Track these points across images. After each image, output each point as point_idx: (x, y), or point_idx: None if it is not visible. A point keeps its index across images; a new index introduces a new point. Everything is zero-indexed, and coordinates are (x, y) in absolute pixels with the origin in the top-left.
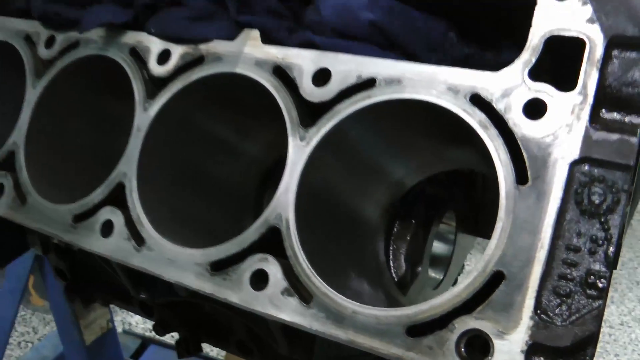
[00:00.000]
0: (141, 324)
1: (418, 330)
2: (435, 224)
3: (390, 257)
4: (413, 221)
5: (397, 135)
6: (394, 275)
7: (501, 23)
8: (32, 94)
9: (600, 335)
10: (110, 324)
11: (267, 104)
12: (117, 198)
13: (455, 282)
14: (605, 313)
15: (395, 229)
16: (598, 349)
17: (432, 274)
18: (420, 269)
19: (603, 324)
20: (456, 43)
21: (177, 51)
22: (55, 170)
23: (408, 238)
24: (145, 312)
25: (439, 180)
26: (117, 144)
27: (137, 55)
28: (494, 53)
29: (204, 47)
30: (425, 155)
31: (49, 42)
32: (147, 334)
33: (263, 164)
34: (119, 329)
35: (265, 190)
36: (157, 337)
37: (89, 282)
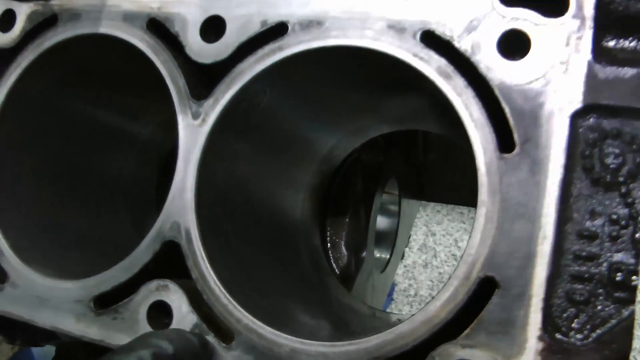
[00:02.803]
0: None
1: None
2: (377, 196)
3: (329, 249)
4: (350, 200)
5: (323, 95)
6: (336, 269)
7: None
8: None
9: None
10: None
11: (149, 72)
12: None
13: (402, 257)
14: None
15: (330, 215)
16: None
17: (378, 254)
18: (364, 253)
19: None
20: None
21: (23, 11)
22: None
23: (347, 221)
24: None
25: (374, 144)
26: None
27: None
28: None
29: (56, 3)
30: (361, 116)
31: None
32: None
33: (161, 149)
34: None
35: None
36: None
37: None
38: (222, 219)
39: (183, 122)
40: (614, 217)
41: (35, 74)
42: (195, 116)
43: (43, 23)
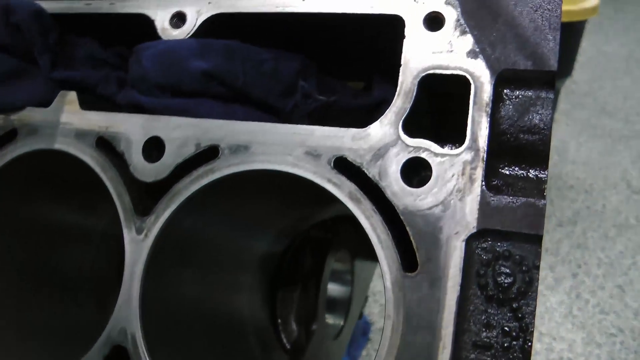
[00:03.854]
0: None
1: None
2: (326, 270)
3: (279, 325)
4: (299, 276)
5: (255, 208)
6: (287, 344)
7: (369, 55)
8: None
9: None
10: None
11: (100, 181)
12: None
13: (361, 316)
14: None
15: (280, 293)
16: None
17: (332, 320)
18: (315, 325)
19: None
20: (311, 92)
21: None
22: None
23: (296, 296)
24: None
25: (322, 223)
26: None
27: None
28: (365, 94)
29: (15, 118)
30: (294, 219)
31: None
32: None
33: (117, 236)
34: None
35: None
36: None
37: None
38: (167, 324)
39: (128, 237)
40: (506, 329)
41: None
42: (138, 231)
43: (4, 136)
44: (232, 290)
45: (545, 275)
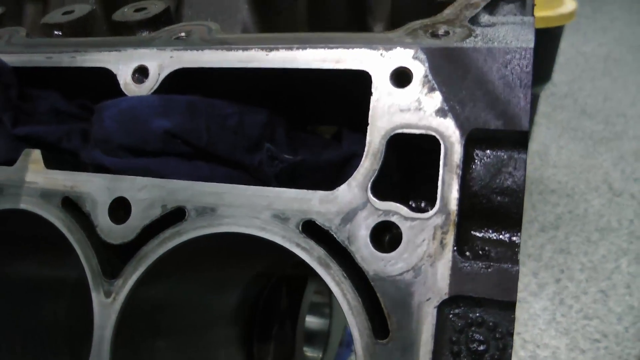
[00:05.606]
0: None
1: None
2: (303, 303)
3: None
4: (275, 316)
5: (224, 266)
6: None
7: (338, 105)
8: None
9: None
10: None
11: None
12: None
13: (341, 344)
14: None
15: (255, 341)
16: None
17: (310, 353)
18: None
19: None
20: (277, 154)
21: None
22: None
23: (272, 339)
24: None
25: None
26: None
27: None
28: (335, 146)
29: None
30: (266, 267)
31: None
32: None
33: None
34: None
35: None
36: None
37: None
38: None
39: (96, 300)
40: None
41: None
42: (107, 294)
43: None
44: (208, 350)
45: (528, 282)
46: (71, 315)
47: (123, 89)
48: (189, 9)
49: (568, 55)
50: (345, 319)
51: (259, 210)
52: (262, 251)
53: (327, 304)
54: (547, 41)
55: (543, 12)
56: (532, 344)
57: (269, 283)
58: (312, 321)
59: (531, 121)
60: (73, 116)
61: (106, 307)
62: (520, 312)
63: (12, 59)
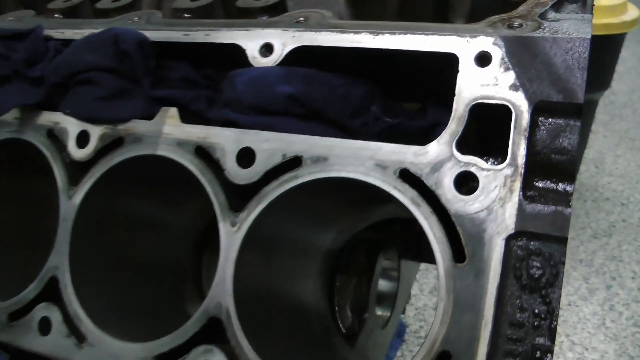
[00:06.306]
0: None
1: None
2: (377, 266)
3: (337, 312)
4: (354, 272)
5: (326, 210)
6: (342, 328)
7: (426, 83)
8: None
9: None
10: None
11: (194, 183)
12: (52, 293)
13: (404, 311)
14: None
15: (337, 285)
16: None
17: (380, 312)
18: (367, 315)
19: None
20: (380, 115)
21: (96, 132)
22: None
23: (351, 289)
24: None
25: (375, 225)
26: (47, 229)
27: (55, 138)
28: (421, 118)
29: (122, 128)
30: (356, 219)
31: None
32: None
33: (195, 230)
34: None
35: (201, 255)
36: None
37: None
38: (252, 302)
39: (224, 229)
40: (536, 311)
41: (104, 183)
42: (232, 224)
43: (112, 143)
44: (301, 276)
45: (579, 286)
46: (175, 257)
47: (251, 62)
48: (291, 1)
49: (629, 64)
50: (409, 286)
51: (363, 160)
52: (354, 198)
53: (396, 269)
54: (608, 48)
55: (605, 19)
56: (580, 347)
57: (349, 242)
58: (382, 284)
59: (588, 128)
60: (199, 84)
61: (231, 235)
62: (569, 315)
63: (153, 35)
